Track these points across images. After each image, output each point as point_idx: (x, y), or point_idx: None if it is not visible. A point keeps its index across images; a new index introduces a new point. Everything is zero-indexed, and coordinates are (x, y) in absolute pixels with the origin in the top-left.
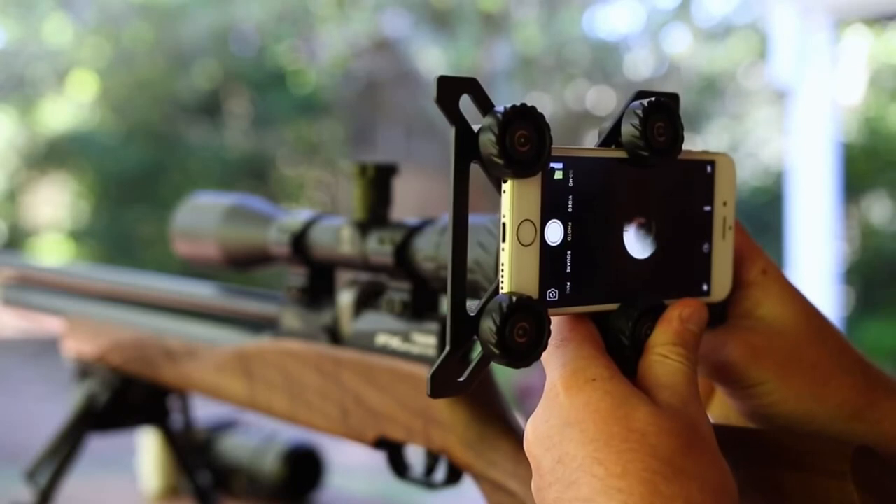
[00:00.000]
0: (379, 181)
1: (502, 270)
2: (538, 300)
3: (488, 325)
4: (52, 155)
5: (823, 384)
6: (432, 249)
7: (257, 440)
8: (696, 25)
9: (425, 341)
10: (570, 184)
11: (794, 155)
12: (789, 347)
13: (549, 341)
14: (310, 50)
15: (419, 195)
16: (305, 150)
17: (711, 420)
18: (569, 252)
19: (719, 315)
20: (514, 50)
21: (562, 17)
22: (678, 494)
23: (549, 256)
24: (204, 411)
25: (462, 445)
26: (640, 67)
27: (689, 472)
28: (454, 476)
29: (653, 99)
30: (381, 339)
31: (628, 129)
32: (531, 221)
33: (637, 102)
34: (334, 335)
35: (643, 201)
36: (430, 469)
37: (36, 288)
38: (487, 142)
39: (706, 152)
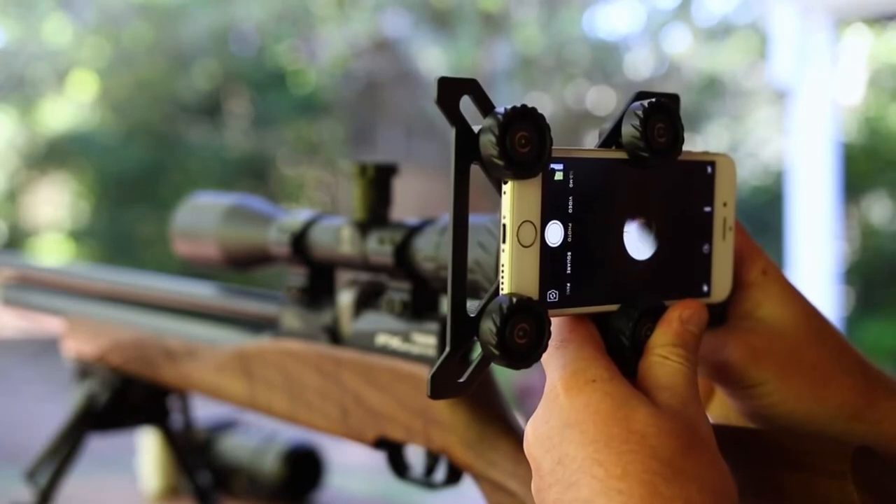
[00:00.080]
0: (379, 181)
1: (502, 271)
2: (538, 301)
3: (488, 327)
4: (52, 155)
5: (823, 385)
6: (432, 249)
7: (257, 440)
8: (696, 25)
9: (425, 341)
10: (571, 185)
11: (794, 155)
12: (789, 348)
13: (550, 342)
14: (310, 50)
15: (419, 195)
16: (305, 150)
17: (711, 420)
18: (569, 253)
19: (719, 316)
20: (514, 50)
21: (562, 17)
22: (678, 496)
23: (549, 257)
24: (204, 411)
25: (462, 445)
26: (640, 67)
27: (688, 473)
28: (454, 476)
29: (653, 100)
30: (381, 339)
31: (629, 130)
32: (531, 222)
33: (637, 103)
34: (334, 335)
35: (643, 202)
36: (430, 469)
37: (36, 288)
38: (488, 143)
39: (706, 153)
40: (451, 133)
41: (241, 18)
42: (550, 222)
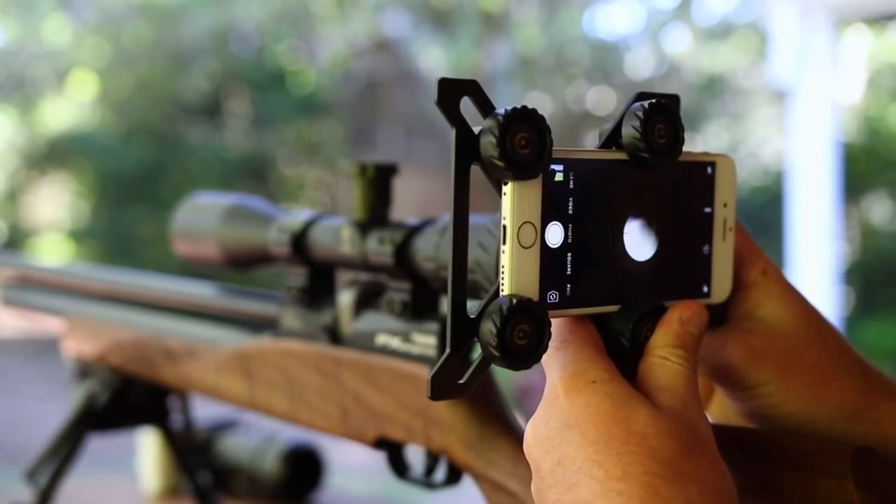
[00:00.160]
0: (379, 181)
1: (503, 272)
2: (538, 302)
3: (489, 328)
4: (52, 155)
5: (823, 385)
6: (432, 249)
7: (257, 440)
8: (696, 25)
9: (425, 341)
10: (571, 186)
11: (794, 155)
12: (789, 349)
13: (550, 343)
14: (310, 50)
15: (419, 195)
16: (305, 150)
17: (711, 420)
18: (569, 254)
19: (719, 316)
20: (514, 50)
21: (562, 17)
22: (678, 497)
23: (549, 258)
24: (204, 411)
25: (462, 445)
26: (640, 67)
27: (688, 474)
28: (454, 476)
29: (653, 101)
30: (381, 339)
31: (629, 131)
32: (532, 223)
33: (638, 104)
34: (334, 335)
35: (643, 203)
36: (430, 469)
37: (36, 288)
38: (488, 144)
39: (707, 154)
40: (452, 134)
41: (241, 18)
42: (551, 223)
